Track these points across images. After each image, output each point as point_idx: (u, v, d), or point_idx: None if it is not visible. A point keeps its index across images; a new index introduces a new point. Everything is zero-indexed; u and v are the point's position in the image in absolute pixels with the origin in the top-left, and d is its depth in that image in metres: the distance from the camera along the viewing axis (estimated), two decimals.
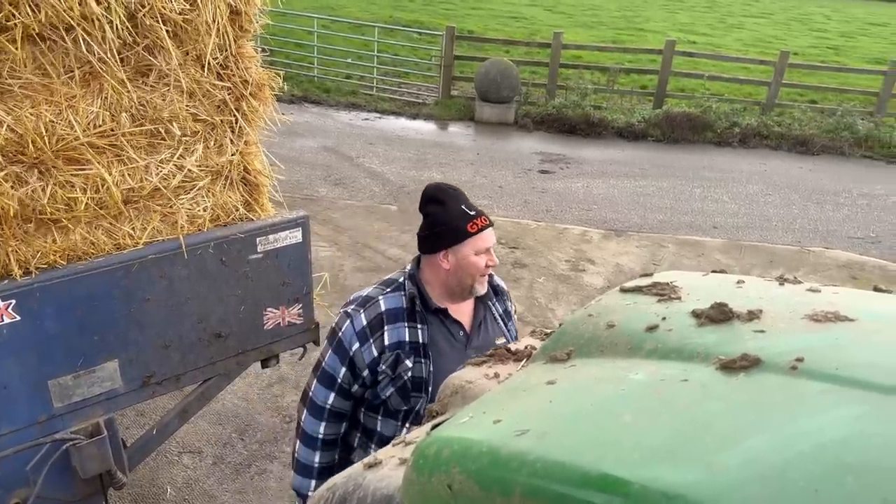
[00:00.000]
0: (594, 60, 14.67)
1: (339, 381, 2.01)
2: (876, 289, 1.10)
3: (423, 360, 1.99)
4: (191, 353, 2.52)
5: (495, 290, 2.22)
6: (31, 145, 2.00)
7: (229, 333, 2.60)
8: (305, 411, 2.09)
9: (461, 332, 2.07)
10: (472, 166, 9.87)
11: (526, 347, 1.44)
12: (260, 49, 2.55)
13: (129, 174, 2.24)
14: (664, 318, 1.04)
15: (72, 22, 1.97)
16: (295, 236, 2.66)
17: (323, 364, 2.04)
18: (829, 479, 0.69)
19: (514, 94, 12.28)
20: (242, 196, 2.60)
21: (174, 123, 2.30)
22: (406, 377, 1.98)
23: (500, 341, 2.05)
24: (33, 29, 1.92)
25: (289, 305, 2.74)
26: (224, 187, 2.53)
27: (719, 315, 1.00)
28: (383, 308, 2.00)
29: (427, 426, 1.18)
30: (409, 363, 1.98)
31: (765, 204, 9.01)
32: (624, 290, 1.17)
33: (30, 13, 1.89)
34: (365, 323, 1.98)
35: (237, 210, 2.58)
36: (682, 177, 9.93)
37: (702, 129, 11.82)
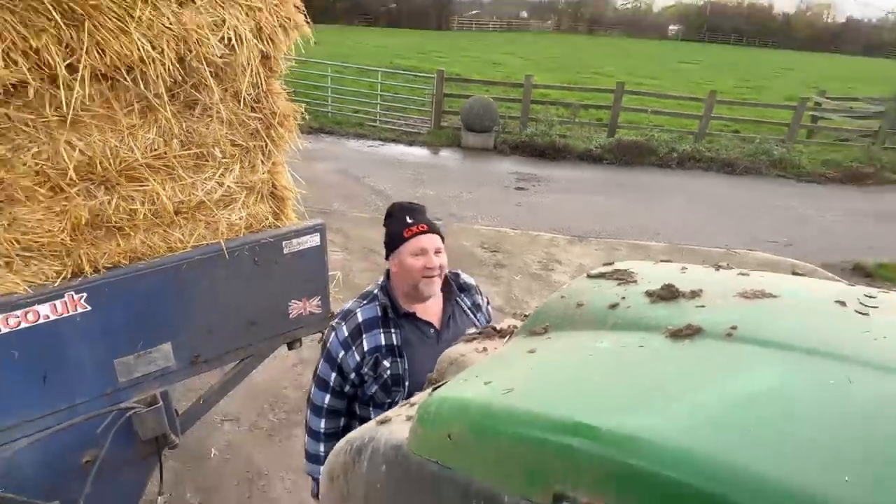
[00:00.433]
0: (559, 98, 14.77)
1: (332, 384, 1.97)
2: (794, 273, 1.11)
3: (398, 360, 1.94)
4: (230, 337, 2.51)
5: (462, 287, 2.15)
6: (98, 166, 1.99)
7: (261, 321, 2.59)
8: (308, 412, 2.06)
9: (432, 330, 2.00)
10: (459, 184, 9.86)
11: (509, 327, 1.44)
12: (285, 87, 2.55)
13: (179, 190, 2.23)
14: (623, 298, 1.04)
15: (132, 64, 1.97)
16: (314, 240, 2.65)
17: (318, 372, 2.01)
18: (760, 422, 0.69)
19: (494, 124, 12.28)
20: (271, 207, 2.58)
21: (216, 148, 2.29)
22: (385, 375, 1.93)
23: (471, 331, 2.02)
24: (100, 70, 1.91)
25: (309, 298, 2.73)
26: (256, 200, 2.52)
27: (668, 294, 1.00)
28: (360, 319, 1.96)
29: (429, 389, 1.18)
30: (387, 364, 1.93)
31: (698, 214, 9.05)
32: (590, 276, 1.17)
33: (97, 56, 1.89)
34: (346, 333, 1.94)
35: (267, 219, 2.57)
36: (632, 193, 9.96)
37: (647, 154, 11.87)
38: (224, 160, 2.34)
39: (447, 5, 55.67)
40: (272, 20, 2.29)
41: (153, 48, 1.98)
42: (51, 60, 1.80)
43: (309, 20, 2.41)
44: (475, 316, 2.13)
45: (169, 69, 2.04)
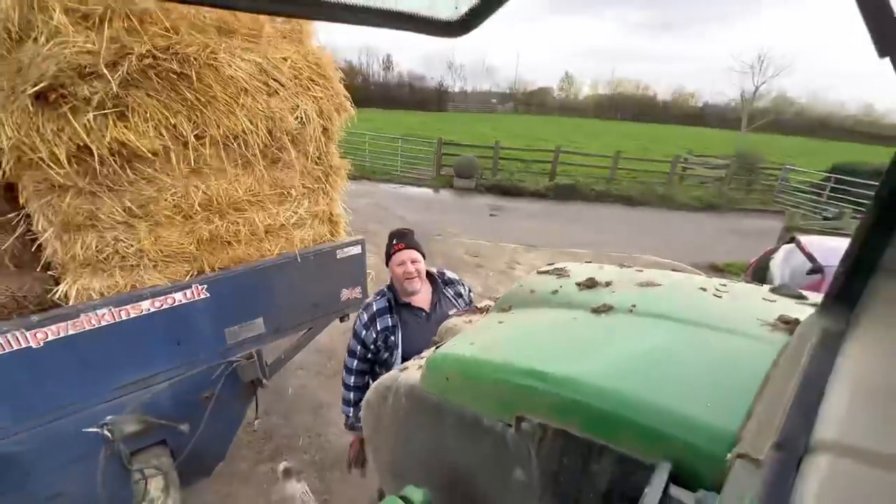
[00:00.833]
0: (517, 156, 14.73)
1: (357, 353, 1.92)
2: (673, 270, 1.12)
3: (398, 336, 1.87)
4: (301, 314, 2.49)
5: (446, 282, 2.05)
6: (215, 201, 1.99)
7: (321, 303, 2.57)
8: (343, 371, 2.00)
9: (423, 313, 1.92)
10: (451, 212, 9.82)
11: (485, 306, 1.43)
12: (338, 148, 2.55)
13: (267, 217, 2.22)
14: (561, 286, 1.05)
15: (237, 134, 1.97)
16: (357, 250, 2.65)
17: (350, 345, 1.96)
18: (652, 365, 0.70)
19: (475, 173, 12.26)
20: (329, 228, 2.58)
21: (292, 189, 2.29)
22: (391, 345, 1.88)
23: (452, 311, 1.89)
24: (217, 137, 1.92)
25: (353, 287, 2.72)
26: (319, 224, 2.51)
27: (590, 284, 1.01)
28: (374, 309, 1.90)
29: (433, 348, 1.18)
30: (392, 338, 1.87)
31: (609, 233, 9.05)
32: (539, 273, 1.17)
33: (214, 129, 1.89)
34: (366, 319, 1.89)
35: (326, 236, 2.56)
36: (566, 219, 9.95)
37: (575, 193, 11.87)
38: (298, 197, 2.34)
39: (444, 94, 57.13)
40: (329, 105, 2.30)
41: (251, 123, 1.99)
42: (184, 132, 1.80)
43: (353, 105, 2.42)
44: (457, 302, 2.03)
45: (262, 137, 2.04)
